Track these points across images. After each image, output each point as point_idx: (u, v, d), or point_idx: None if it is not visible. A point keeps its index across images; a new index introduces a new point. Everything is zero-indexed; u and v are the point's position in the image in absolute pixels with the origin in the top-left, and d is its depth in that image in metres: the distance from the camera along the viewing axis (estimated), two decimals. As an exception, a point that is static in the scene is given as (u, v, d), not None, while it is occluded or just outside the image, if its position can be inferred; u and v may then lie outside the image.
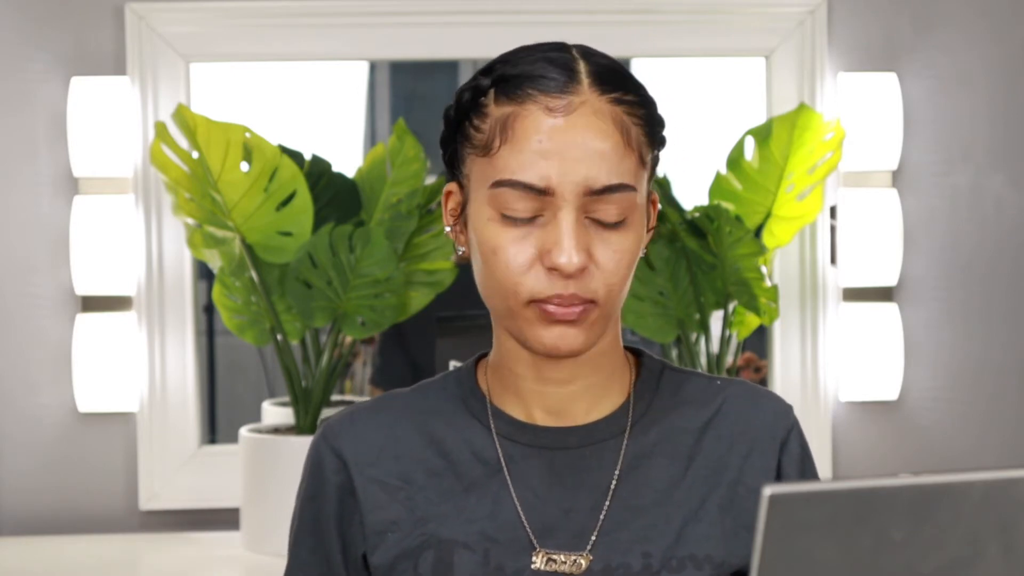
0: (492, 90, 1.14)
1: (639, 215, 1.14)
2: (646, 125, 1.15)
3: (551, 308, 1.11)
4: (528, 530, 1.17)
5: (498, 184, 1.11)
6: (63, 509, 2.62)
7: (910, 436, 2.73)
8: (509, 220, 1.12)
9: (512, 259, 1.12)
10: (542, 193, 1.10)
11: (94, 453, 2.63)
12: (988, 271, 2.73)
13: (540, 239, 1.11)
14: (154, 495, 2.63)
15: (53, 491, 2.62)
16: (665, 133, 1.19)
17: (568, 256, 1.09)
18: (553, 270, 1.10)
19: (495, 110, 1.13)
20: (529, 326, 1.13)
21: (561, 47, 1.16)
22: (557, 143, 1.10)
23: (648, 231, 1.20)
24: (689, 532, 1.17)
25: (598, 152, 1.10)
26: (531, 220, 1.11)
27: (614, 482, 1.18)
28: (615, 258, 1.12)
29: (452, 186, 1.20)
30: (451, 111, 1.18)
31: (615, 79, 1.14)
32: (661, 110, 1.19)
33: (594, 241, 1.12)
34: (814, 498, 0.78)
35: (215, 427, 3.06)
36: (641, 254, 1.19)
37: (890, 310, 2.71)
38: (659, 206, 1.22)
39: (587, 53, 1.16)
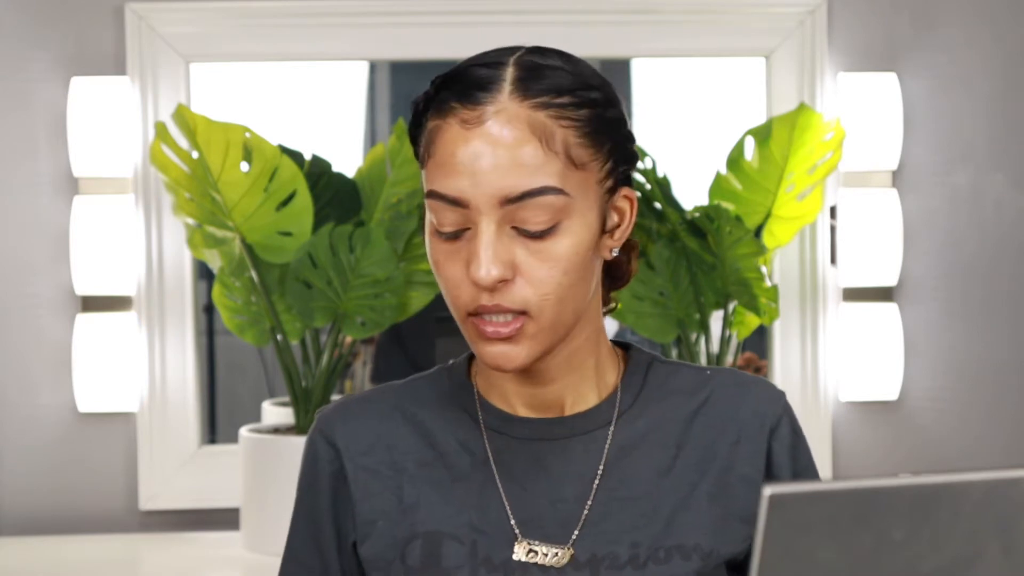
0: (431, 102, 1.15)
1: (578, 219, 1.12)
2: (585, 125, 1.12)
3: (484, 327, 1.12)
4: (513, 521, 1.17)
5: (428, 195, 1.13)
6: (63, 509, 2.62)
7: (910, 436, 2.73)
8: (441, 234, 1.13)
9: (448, 273, 1.13)
10: (460, 205, 1.11)
11: (94, 453, 2.63)
12: (988, 271, 2.73)
13: (465, 252, 1.12)
14: (154, 495, 2.63)
15: (53, 491, 2.62)
16: (629, 130, 1.18)
17: (485, 269, 1.09)
18: (474, 282, 1.11)
19: (428, 123, 1.14)
20: (472, 340, 1.15)
21: (510, 51, 1.15)
22: (468, 155, 1.10)
23: (617, 228, 1.18)
24: (678, 522, 1.17)
25: (511, 160, 1.09)
26: (460, 235, 1.12)
27: (600, 472, 1.19)
28: (545, 267, 1.11)
29: None
30: (411, 115, 1.19)
31: (545, 84, 1.12)
32: (620, 109, 1.17)
33: (520, 252, 1.11)
34: (814, 498, 0.78)
35: (215, 427, 3.06)
36: (612, 254, 1.18)
37: (890, 310, 2.71)
38: (636, 203, 1.19)
39: (529, 59, 1.13)
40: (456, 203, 1.10)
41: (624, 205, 1.18)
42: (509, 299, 1.11)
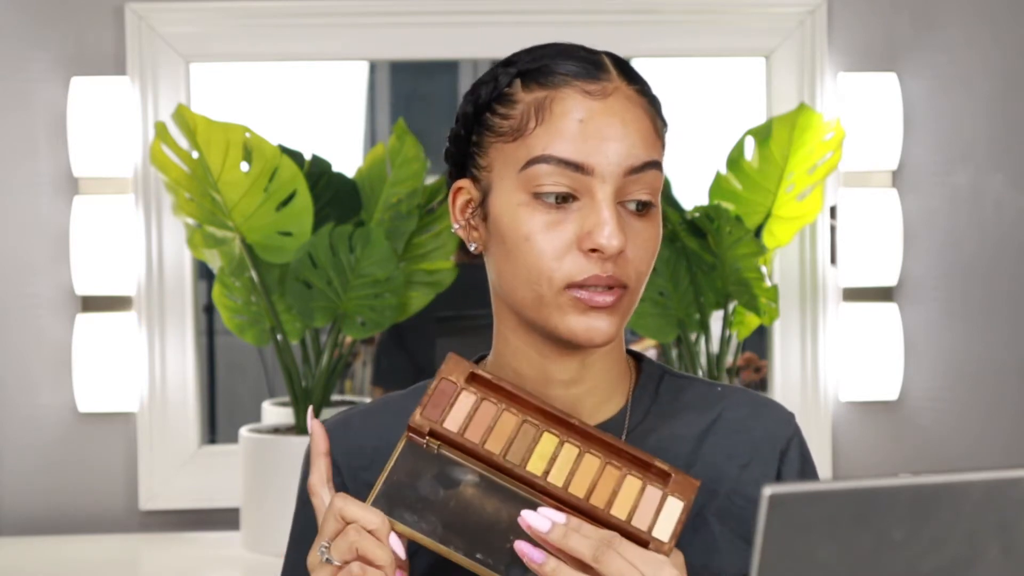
0: (518, 80, 1.14)
1: (658, 208, 1.15)
2: (660, 117, 1.17)
3: (586, 295, 1.11)
4: None
5: (533, 162, 1.11)
6: (63, 509, 2.62)
7: (910, 436, 2.73)
8: (541, 204, 1.11)
9: (547, 244, 1.11)
10: (578, 170, 1.10)
11: (94, 453, 2.63)
12: (988, 271, 2.73)
13: (578, 222, 1.11)
14: (154, 495, 2.63)
15: (53, 491, 2.62)
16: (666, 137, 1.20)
17: (610, 237, 1.09)
18: (592, 252, 1.10)
19: (525, 96, 1.13)
20: (561, 315, 1.12)
21: (574, 45, 1.17)
22: (597, 123, 1.11)
23: None
24: (686, 540, 1.16)
25: (634, 132, 1.12)
26: (564, 206, 1.11)
27: None
28: (644, 246, 1.13)
29: (463, 183, 1.18)
30: (468, 106, 1.17)
31: (636, 74, 1.17)
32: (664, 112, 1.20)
33: (626, 227, 1.12)
34: (814, 498, 0.78)
35: (215, 427, 3.06)
36: None
37: (890, 310, 2.71)
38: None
39: (601, 51, 1.17)
40: (577, 168, 1.10)
41: None
42: (621, 271, 1.12)
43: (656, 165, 1.13)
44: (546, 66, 1.14)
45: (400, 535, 1.05)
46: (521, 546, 1.03)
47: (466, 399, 1.12)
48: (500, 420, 1.11)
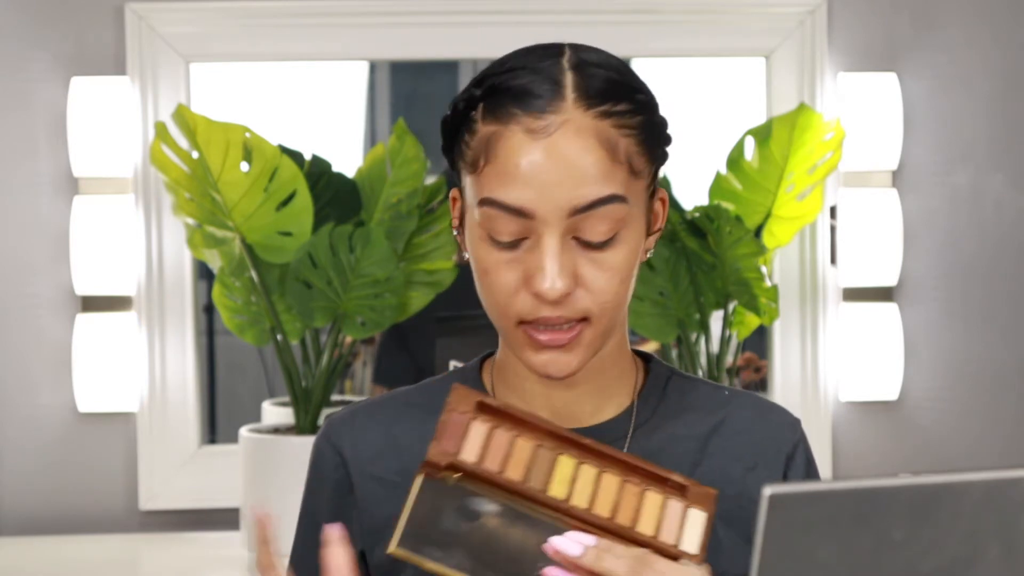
0: (481, 104, 1.12)
1: (634, 226, 1.12)
2: (641, 132, 1.12)
3: (540, 336, 1.10)
4: None
5: (483, 203, 1.10)
6: (63, 509, 2.62)
7: (910, 436, 2.73)
8: (495, 242, 1.11)
9: (502, 282, 1.11)
10: (523, 216, 1.09)
11: (94, 453, 2.63)
12: (988, 271, 2.73)
13: (525, 263, 1.10)
14: (154, 495, 2.63)
15: (53, 491, 2.62)
16: (669, 132, 1.17)
17: (551, 282, 1.08)
18: (538, 295, 1.09)
19: (482, 127, 1.11)
20: (520, 347, 1.13)
21: (555, 53, 1.13)
22: (536, 167, 1.08)
23: (655, 231, 1.18)
24: None
25: (580, 171, 1.08)
26: (517, 244, 1.10)
27: None
28: (605, 277, 1.10)
29: (456, 192, 1.18)
30: (448, 121, 1.16)
31: (604, 90, 1.11)
32: (662, 110, 1.17)
33: (581, 262, 1.10)
34: (814, 498, 0.78)
35: (215, 427, 3.06)
36: (648, 255, 1.17)
37: (890, 310, 2.71)
38: (667, 203, 1.19)
39: (580, 63, 1.12)
40: (520, 213, 1.08)
41: (659, 207, 1.18)
42: (571, 309, 1.10)
43: (612, 199, 1.08)
44: (503, 93, 1.10)
45: (432, 573, 1.04)
46: (552, 573, 1.02)
47: (478, 429, 1.10)
48: (515, 447, 1.10)
